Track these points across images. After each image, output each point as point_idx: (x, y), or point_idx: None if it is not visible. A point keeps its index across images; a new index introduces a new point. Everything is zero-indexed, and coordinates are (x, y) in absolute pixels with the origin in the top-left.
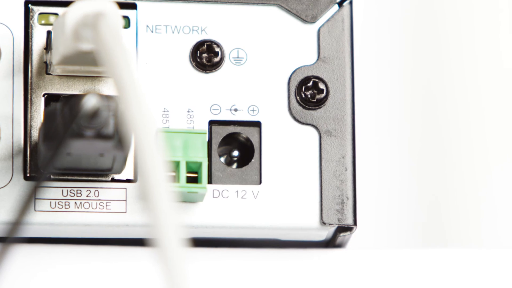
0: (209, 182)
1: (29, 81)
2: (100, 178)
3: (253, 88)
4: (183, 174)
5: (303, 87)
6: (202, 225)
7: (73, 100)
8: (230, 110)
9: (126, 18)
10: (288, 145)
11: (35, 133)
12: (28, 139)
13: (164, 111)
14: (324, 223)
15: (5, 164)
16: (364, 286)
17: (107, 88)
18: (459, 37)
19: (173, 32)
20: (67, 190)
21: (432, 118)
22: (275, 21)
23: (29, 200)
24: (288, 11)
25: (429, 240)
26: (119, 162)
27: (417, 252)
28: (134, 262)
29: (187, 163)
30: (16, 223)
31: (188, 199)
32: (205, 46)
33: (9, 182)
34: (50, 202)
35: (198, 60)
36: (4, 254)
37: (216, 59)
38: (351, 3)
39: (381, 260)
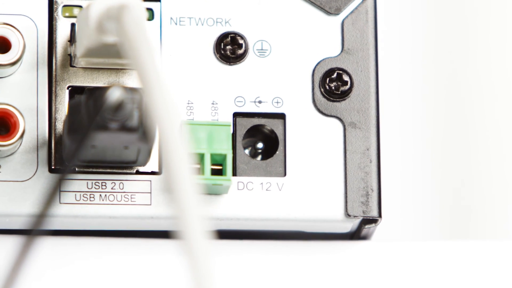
0: (234, 174)
1: (53, 73)
2: (124, 171)
3: (277, 80)
4: (208, 166)
5: (327, 79)
6: (227, 217)
7: (98, 93)
8: (255, 102)
9: (150, 10)
10: (312, 137)
11: (59, 126)
12: (53, 131)
13: (188, 103)
14: (349, 215)
15: (30, 156)
16: (389, 278)
17: (131, 80)
18: (484, 27)
19: (197, 24)
20: (92, 183)
21: (457, 108)
22: (299, 13)
23: (54, 193)
24: (312, 3)
25: (454, 232)
26: (143, 154)
27: (442, 244)
28: (158, 254)
29: (212, 155)
30: (41, 216)
31: (212, 192)
32: (229, 38)
33: (34, 174)
34: (75, 195)
35: (222, 52)
36: (29, 247)
37: (240, 51)
38: None
39: (405, 252)
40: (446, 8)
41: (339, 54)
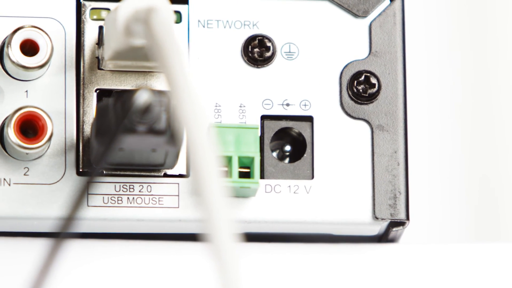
0: (262, 177)
1: (81, 76)
2: (152, 173)
3: (305, 83)
4: (236, 169)
5: (355, 81)
6: (255, 220)
7: (125, 95)
8: (282, 104)
9: (177, 13)
10: (340, 140)
11: (87, 129)
12: (81, 134)
13: (216, 106)
14: (377, 218)
15: (58, 159)
16: (417, 281)
17: (159, 83)
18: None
19: (224, 27)
20: (120, 186)
21: (485, 110)
22: (326, 16)
23: (82, 196)
24: (340, 6)
25: (482, 234)
26: (171, 157)
27: (470, 247)
28: (186, 256)
29: (240, 158)
30: (69, 219)
31: (240, 194)
32: (257, 41)
33: (62, 177)
34: (103, 198)
35: (250, 55)
36: (57, 250)
37: (268, 54)
38: None
39: (433, 255)
40: (474, 10)
41: (367, 57)
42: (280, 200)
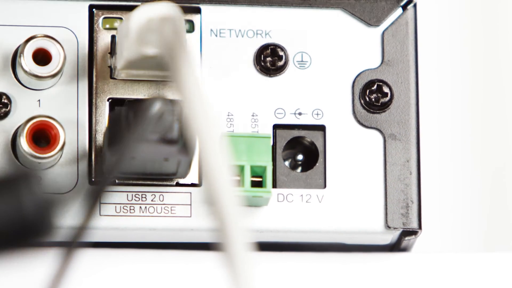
0: (274, 186)
1: (94, 85)
2: (164, 183)
3: (317, 92)
4: (248, 178)
5: (367, 90)
6: (267, 229)
7: (138, 105)
8: (295, 114)
9: (190, 22)
10: (352, 149)
11: (99, 138)
12: (93, 143)
13: (228, 115)
14: (389, 227)
15: (70, 168)
16: None
17: (171, 92)
18: None
19: (237, 36)
20: (132, 195)
21: (497, 119)
22: (339, 25)
23: (94, 205)
24: (352, 15)
25: (494, 244)
26: (183, 166)
27: (483, 256)
28: (199, 265)
29: (252, 167)
30: (81, 228)
31: (252, 203)
32: (269, 50)
33: (74, 186)
34: (115, 207)
35: (262, 64)
36: (69, 259)
37: (280, 63)
38: (415, 6)
39: (446, 264)
40: (487, 18)
41: (379, 66)
42: (292, 209)
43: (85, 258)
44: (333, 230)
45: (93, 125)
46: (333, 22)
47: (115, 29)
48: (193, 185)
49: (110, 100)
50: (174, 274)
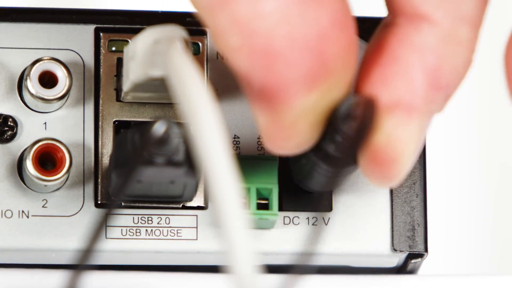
0: (280, 209)
1: (100, 108)
2: (171, 205)
3: None
4: (254, 200)
5: None
6: (273, 251)
7: (144, 127)
8: None
9: (196, 44)
10: (358, 172)
11: (106, 161)
12: (99, 166)
13: (234, 138)
14: (395, 250)
15: (76, 191)
16: None
17: (177, 114)
18: None
19: None
20: (138, 218)
21: (505, 144)
22: None
23: (100, 228)
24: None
25: (501, 267)
26: (189, 189)
27: (489, 279)
28: None
29: (258, 190)
30: (88, 251)
31: (259, 226)
32: None
33: (80, 209)
34: (121, 230)
35: None
36: (75, 282)
37: None
38: None
39: (452, 287)
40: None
41: None
42: (298, 232)
43: (91, 281)
44: (339, 252)
45: (99, 148)
46: None
47: (121, 51)
48: (199, 207)
49: (116, 123)
50: None
